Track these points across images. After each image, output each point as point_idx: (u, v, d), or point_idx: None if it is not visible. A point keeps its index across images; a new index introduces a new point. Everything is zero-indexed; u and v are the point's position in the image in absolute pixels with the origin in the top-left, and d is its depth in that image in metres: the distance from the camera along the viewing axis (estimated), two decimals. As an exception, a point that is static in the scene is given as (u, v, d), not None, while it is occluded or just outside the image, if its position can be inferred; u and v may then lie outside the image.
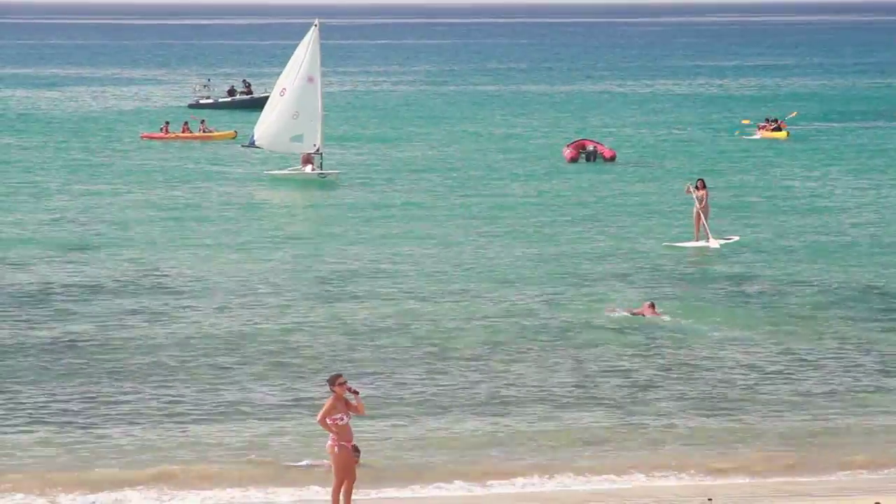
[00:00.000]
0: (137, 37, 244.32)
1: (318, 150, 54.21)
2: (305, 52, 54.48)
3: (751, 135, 70.84)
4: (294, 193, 51.13)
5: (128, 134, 71.79)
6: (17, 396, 23.82)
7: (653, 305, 29.83)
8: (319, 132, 54.27)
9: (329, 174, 53.62)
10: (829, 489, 19.73)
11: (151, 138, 69.38)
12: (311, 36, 54.48)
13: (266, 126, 54.81)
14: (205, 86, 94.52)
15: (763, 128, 71.34)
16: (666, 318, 29.40)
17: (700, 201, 38.64)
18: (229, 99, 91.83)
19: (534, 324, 29.02)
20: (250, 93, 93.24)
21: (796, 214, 44.97)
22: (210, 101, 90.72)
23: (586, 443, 21.70)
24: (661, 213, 44.76)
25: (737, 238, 38.90)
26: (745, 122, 74.83)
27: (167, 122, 71.65)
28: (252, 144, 55.52)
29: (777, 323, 29.41)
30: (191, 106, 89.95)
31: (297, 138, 54.35)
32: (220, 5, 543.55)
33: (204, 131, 70.69)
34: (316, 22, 55.66)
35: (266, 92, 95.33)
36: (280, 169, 54.83)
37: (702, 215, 38.54)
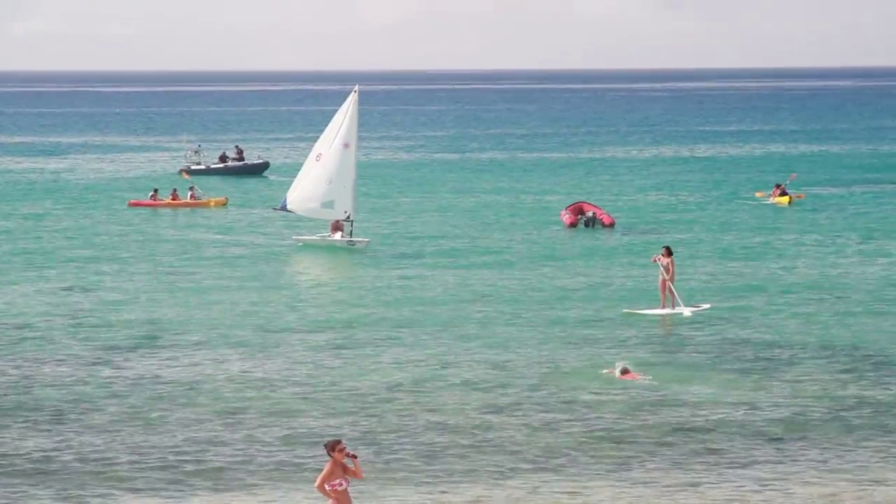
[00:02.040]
0: (148, 104, 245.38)
1: (348, 217, 53.91)
2: (343, 118, 54.22)
3: (765, 200, 71.08)
4: (318, 261, 50.71)
5: (117, 201, 71.79)
6: (19, 458, 23.97)
7: (628, 371, 30.29)
8: (351, 199, 54.02)
9: (358, 242, 53.22)
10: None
11: (139, 205, 69.16)
12: (350, 102, 54.19)
13: (299, 190, 54.50)
14: (196, 152, 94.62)
15: (774, 193, 71.55)
16: (653, 381, 29.84)
17: (666, 269, 38.80)
18: (221, 165, 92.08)
19: (529, 389, 29.30)
20: (242, 159, 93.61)
21: (787, 280, 45.16)
22: (201, 167, 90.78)
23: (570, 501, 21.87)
24: (653, 279, 45.10)
25: (708, 306, 38.84)
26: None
27: (156, 190, 71.42)
28: (284, 208, 55.26)
29: (764, 384, 29.64)
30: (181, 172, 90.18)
31: (329, 204, 54.00)
32: (210, 72, 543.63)
33: (193, 198, 70.28)
34: (356, 88, 55.31)
35: (260, 158, 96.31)
36: (309, 235, 54.65)
37: (669, 283, 38.60)
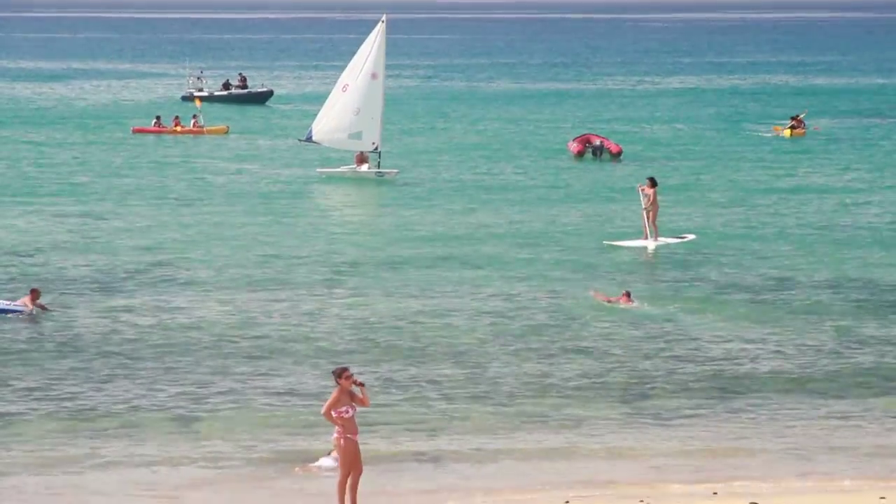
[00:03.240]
0: (153, 30, 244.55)
1: (376, 148, 52.96)
2: (371, 48, 53.33)
3: (781, 132, 70.53)
4: (339, 193, 50.19)
5: (121, 128, 71.47)
6: (25, 389, 23.93)
7: (628, 294, 30.54)
8: (379, 130, 53.06)
9: (387, 173, 52.42)
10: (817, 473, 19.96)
11: (143, 132, 69.07)
12: (378, 31, 53.26)
13: (325, 122, 53.54)
14: (198, 78, 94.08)
15: (791, 127, 71.11)
16: (644, 306, 30.00)
17: (648, 199, 38.30)
18: (225, 92, 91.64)
19: (522, 314, 29.45)
20: (245, 87, 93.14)
21: (797, 213, 44.93)
22: (204, 93, 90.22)
23: (580, 433, 21.86)
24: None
25: (692, 237, 38.51)
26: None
27: (158, 116, 71.23)
28: (309, 139, 54.27)
29: (772, 317, 29.60)
30: (184, 99, 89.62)
31: (356, 135, 53.02)
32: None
33: (196, 125, 70.11)
34: (383, 17, 54.35)
35: (264, 86, 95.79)
36: (334, 167, 53.76)
37: (649, 214, 38.09)
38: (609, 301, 30.45)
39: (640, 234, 38.55)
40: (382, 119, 53.85)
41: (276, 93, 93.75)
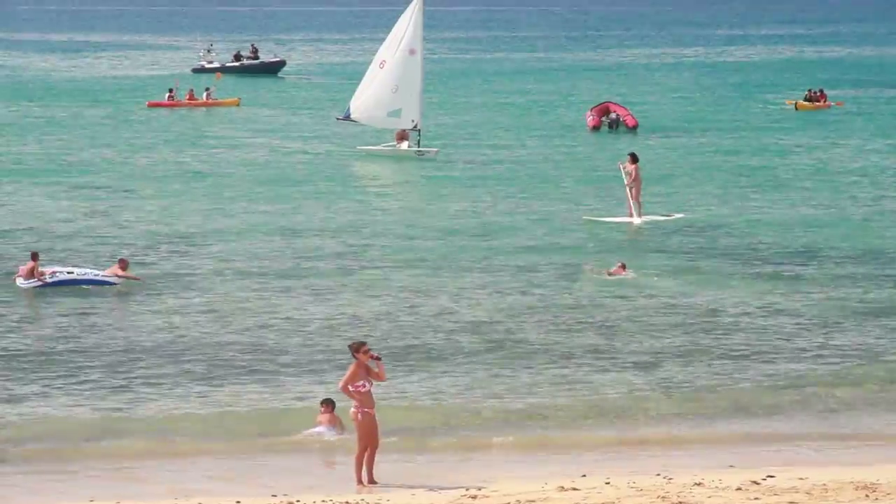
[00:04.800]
0: (164, 3, 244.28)
1: (415, 126, 51.92)
2: (408, 23, 52.29)
3: (792, 104, 70.40)
4: (370, 169, 49.85)
5: (136, 102, 71.42)
6: (36, 370, 23.91)
7: (624, 266, 30.60)
8: (418, 108, 51.93)
9: (427, 152, 51.40)
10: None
11: (159, 106, 69.20)
12: (415, 6, 52.22)
13: (363, 99, 52.52)
14: (208, 50, 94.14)
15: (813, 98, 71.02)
16: (643, 278, 30.13)
17: (629, 176, 37.88)
18: (236, 63, 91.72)
19: (548, 291, 29.49)
20: (257, 57, 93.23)
21: (816, 186, 44.90)
22: (216, 65, 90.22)
23: (585, 403, 22.05)
24: (670, 182, 44.70)
25: (680, 215, 38.03)
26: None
27: (171, 90, 71.23)
28: (347, 118, 53.35)
29: (786, 287, 29.63)
30: (195, 71, 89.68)
31: (395, 113, 51.97)
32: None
33: (209, 98, 70.38)
34: None
35: (276, 56, 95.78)
36: (374, 145, 52.75)
37: (632, 190, 37.67)
38: (610, 274, 30.37)
39: (626, 211, 38.13)
40: (422, 96, 52.74)
41: (288, 64, 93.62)
